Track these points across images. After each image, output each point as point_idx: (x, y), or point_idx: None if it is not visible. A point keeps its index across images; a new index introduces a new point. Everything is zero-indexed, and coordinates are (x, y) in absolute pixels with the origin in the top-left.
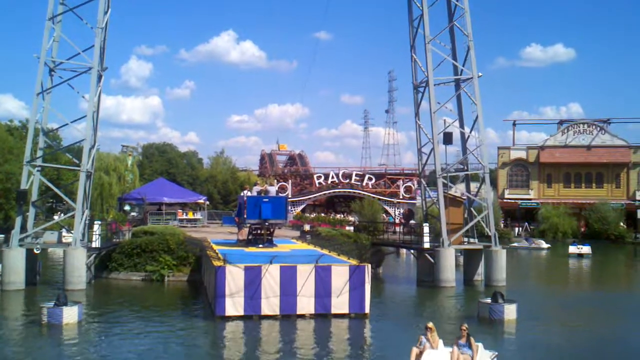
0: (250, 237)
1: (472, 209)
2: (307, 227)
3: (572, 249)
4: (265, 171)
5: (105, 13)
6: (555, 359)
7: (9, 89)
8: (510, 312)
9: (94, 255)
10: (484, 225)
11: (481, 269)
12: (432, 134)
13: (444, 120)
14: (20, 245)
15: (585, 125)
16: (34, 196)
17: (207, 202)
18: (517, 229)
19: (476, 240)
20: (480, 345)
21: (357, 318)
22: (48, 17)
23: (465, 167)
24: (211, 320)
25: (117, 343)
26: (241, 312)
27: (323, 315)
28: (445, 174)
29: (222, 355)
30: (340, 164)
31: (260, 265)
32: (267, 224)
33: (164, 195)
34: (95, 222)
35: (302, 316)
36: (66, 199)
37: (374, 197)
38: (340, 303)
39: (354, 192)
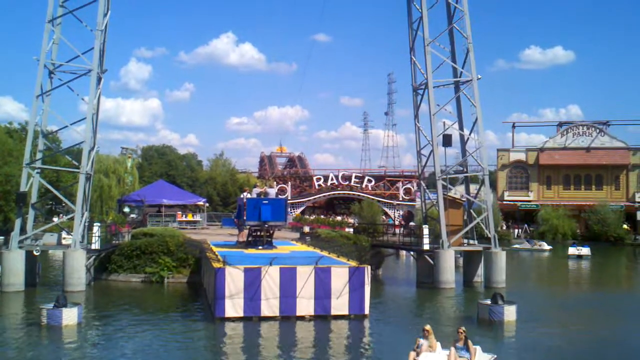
0: (249, 238)
1: (471, 210)
2: (306, 229)
3: (572, 251)
4: (264, 173)
5: (105, 15)
6: None
7: (8, 91)
8: (509, 313)
9: (93, 257)
10: (484, 227)
11: (481, 271)
12: (431, 136)
13: (444, 122)
14: (20, 247)
15: (585, 127)
16: (34, 198)
17: (207, 204)
18: (516, 230)
19: (476, 242)
20: (478, 348)
21: (357, 319)
22: (48, 19)
23: (465, 169)
24: (211, 321)
25: (116, 344)
26: (241, 314)
27: (323, 317)
28: (444, 176)
29: (222, 356)
30: (340, 166)
31: (259, 266)
32: (266, 225)
33: (163, 197)
34: (95, 224)
35: (302, 317)
36: (66, 201)
37: (373, 199)
38: (339, 304)
39: (354, 194)
